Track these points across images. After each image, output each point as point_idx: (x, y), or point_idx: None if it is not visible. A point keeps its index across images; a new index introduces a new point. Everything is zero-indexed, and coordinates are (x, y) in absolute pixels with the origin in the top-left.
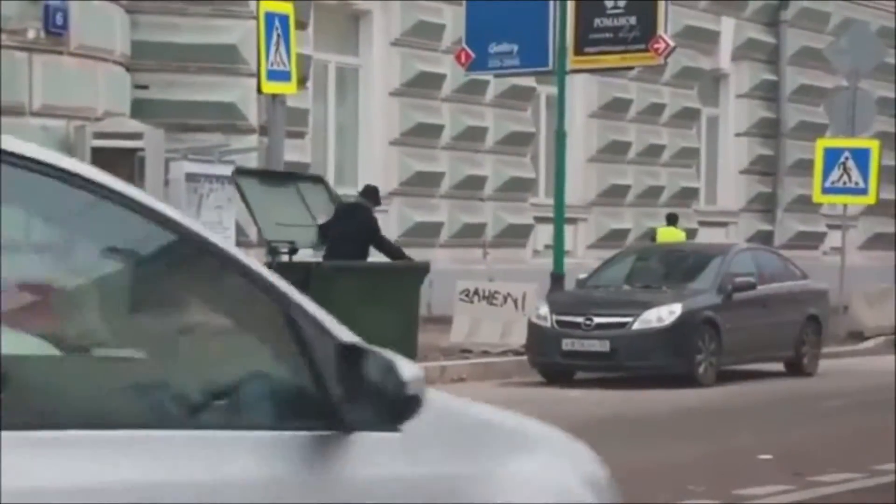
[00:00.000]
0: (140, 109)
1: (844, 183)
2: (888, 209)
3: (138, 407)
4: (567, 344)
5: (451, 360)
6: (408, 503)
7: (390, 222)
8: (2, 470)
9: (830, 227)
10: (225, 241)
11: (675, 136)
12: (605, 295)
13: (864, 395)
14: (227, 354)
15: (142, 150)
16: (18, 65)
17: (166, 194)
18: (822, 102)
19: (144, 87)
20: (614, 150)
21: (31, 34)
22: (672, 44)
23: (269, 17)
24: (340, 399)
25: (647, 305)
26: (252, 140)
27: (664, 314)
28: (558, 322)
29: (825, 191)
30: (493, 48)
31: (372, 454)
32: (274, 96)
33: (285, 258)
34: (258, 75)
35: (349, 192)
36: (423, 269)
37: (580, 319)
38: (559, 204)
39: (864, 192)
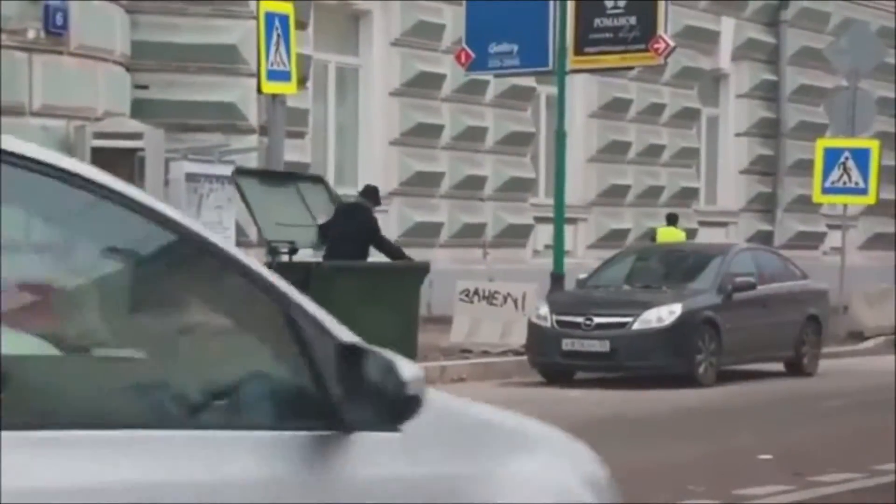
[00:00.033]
0: (140, 109)
1: (844, 183)
2: (888, 209)
3: (138, 407)
4: (567, 344)
5: (451, 360)
6: (408, 503)
7: (390, 222)
8: (2, 470)
9: (830, 227)
10: (225, 241)
11: (675, 136)
12: (605, 295)
13: (864, 395)
14: (227, 354)
15: (142, 150)
16: (18, 65)
17: (166, 194)
18: (822, 102)
19: (144, 87)
20: (614, 150)
21: (31, 34)
22: (672, 44)
23: (269, 17)
24: (340, 399)
25: (647, 305)
26: (252, 140)
27: (664, 314)
28: (558, 322)
29: (825, 191)
30: (493, 48)
31: (372, 454)
32: (274, 96)
33: (285, 258)
34: (258, 75)
35: (349, 192)
36: (423, 269)
37: (580, 319)
38: (559, 204)
39: (864, 192)
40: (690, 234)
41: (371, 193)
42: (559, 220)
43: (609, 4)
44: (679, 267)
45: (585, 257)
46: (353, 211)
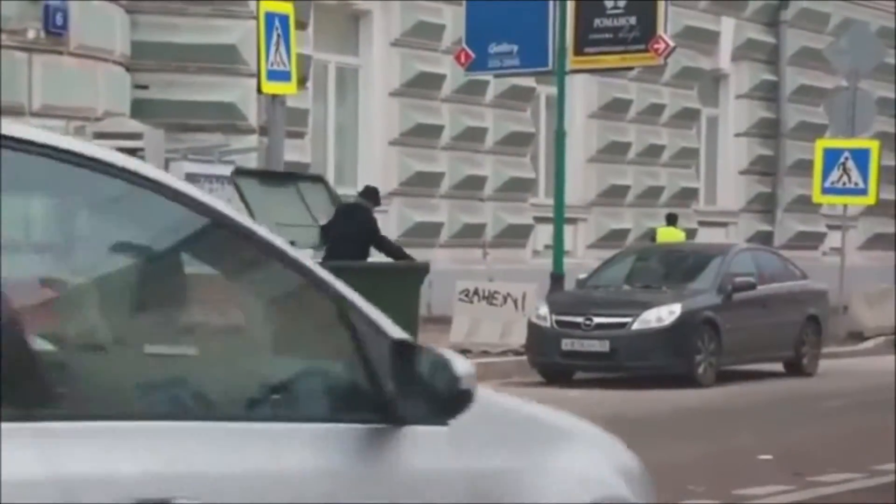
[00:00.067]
0: (140, 109)
1: (844, 183)
2: (888, 209)
3: (202, 399)
4: (567, 344)
5: None
6: (456, 495)
7: (390, 222)
8: (60, 457)
9: (830, 227)
10: (285, 242)
11: (675, 136)
12: (604, 295)
13: (863, 396)
14: (284, 350)
15: (142, 150)
16: (18, 65)
17: None
18: (822, 103)
19: (144, 87)
20: (614, 151)
21: (31, 34)
22: (672, 44)
23: (269, 17)
24: (393, 394)
25: (647, 305)
26: (252, 140)
27: (664, 314)
28: (558, 322)
29: (825, 191)
30: (493, 48)
31: (422, 447)
32: (274, 96)
33: None
34: (258, 75)
35: (349, 192)
36: (423, 269)
37: (580, 319)
38: (559, 204)
39: (863, 192)
40: (690, 234)
41: (371, 194)
42: (559, 220)
43: (609, 4)
44: (679, 267)
45: (585, 257)
46: (353, 211)
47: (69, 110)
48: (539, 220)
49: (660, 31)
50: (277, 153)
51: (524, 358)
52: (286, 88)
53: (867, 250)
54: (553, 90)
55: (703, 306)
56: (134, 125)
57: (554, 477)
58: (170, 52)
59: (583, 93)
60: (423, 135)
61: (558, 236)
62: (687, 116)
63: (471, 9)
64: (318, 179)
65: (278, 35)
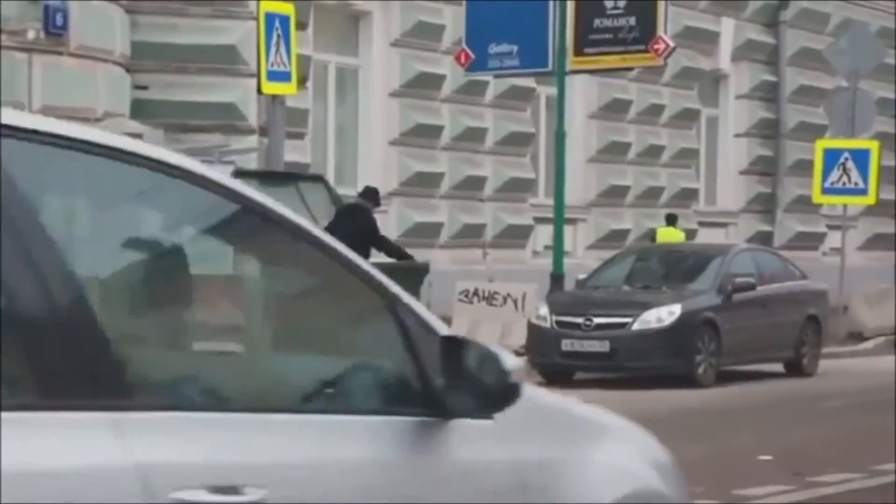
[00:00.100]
0: (140, 110)
1: (844, 183)
2: (888, 209)
3: (265, 392)
4: (567, 344)
5: None
6: (501, 485)
7: (390, 223)
8: (134, 445)
9: (830, 227)
10: (338, 242)
11: (675, 136)
12: (604, 295)
13: (863, 396)
14: (340, 345)
15: None
16: (18, 65)
17: None
18: (822, 103)
19: (144, 88)
20: (614, 151)
21: (30, 35)
22: (672, 44)
23: (270, 17)
24: (442, 388)
25: (647, 306)
26: (252, 140)
27: (664, 315)
28: (558, 322)
29: (825, 191)
30: (493, 49)
31: (469, 439)
32: (274, 97)
33: None
34: (258, 76)
35: (349, 192)
36: (422, 269)
37: (580, 320)
38: (559, 204)
39: (863, 192)
40: (690, 234)
41: (371, 194)
42: (559, 220)
43: (609, 5)
44: (679, 267)
45: (585, 258)
46: (353, 212)
47: (69, 111)
48: (539, 220)
49: (660, 32)
50: (277, 153)
51: (524, 358)
52: (286, 89)
53: (867, 250)
54: (553, 90)
55: (703, 307)
56: (134, 126)
57: (593, 470)
58: (170, 53)
59: (583, 93)
60: (423, 135)
61: (558, 237)
62: (687, 117)
63: (471, 9)
64: (319, 179)
65: (278, 35)
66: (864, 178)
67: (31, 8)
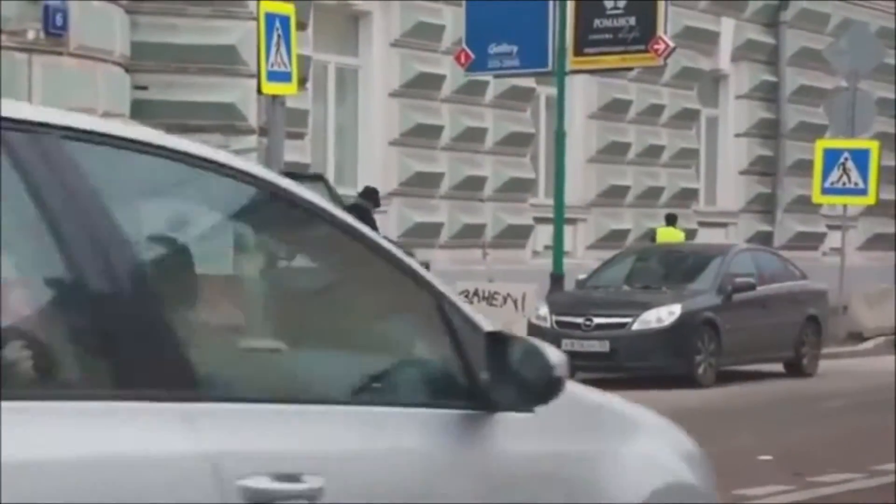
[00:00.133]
0: (140, 110)
1: (844, 184)
2: (888, 210)
3: (323, 384)
4: (566, 344)
5: None
6: (542, 476)
7: (390, 223)
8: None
9: (830, 227)
10: (387, 241)
11: (675, 136)
12: (604, 295)
13: (863, 396)
14: (392, 341)
15: None
16: (18, 65)
17: None
18: (822, 103)
19: (144, 88)
20: (614, 151)
21: (30, 35)
22: (672, 44)
23: (270, 17)
24: (487, 382)
25: (647, 306)
26: (252, 141)
27: (664, 315)
28: (558, 322)
29: (825, 191)
30: (493, 49)
31: (512, 431)
32: (274, 97)
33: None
34: (258, 76)
35: (349, 192)
36: None
37: (580, 320)
38: (559, 204)
39: (863, 192)
40: (690, 234)
41: (371, 195)
42: (559, 220)
43: (609, 5)
44: (679, 267)
45: (585, 258)
46: (353, 212)
47: (69, 111)
48: (539, 220)
49: (659, 32)
50: (277, 154)
51: None
52: (286, 89)
53: (867, 250)
54: (553, 90)
55: (703, 307)
56: None
57: (629, 463)
58: (169, 53)
59: (583, 93)
60: (422, 135)
61: (558, 237)
62: (687, 117)
63: (471, 9)
64: (319, 178)
65: (279, 36)
66: (864, 178)
67: (31, 8)
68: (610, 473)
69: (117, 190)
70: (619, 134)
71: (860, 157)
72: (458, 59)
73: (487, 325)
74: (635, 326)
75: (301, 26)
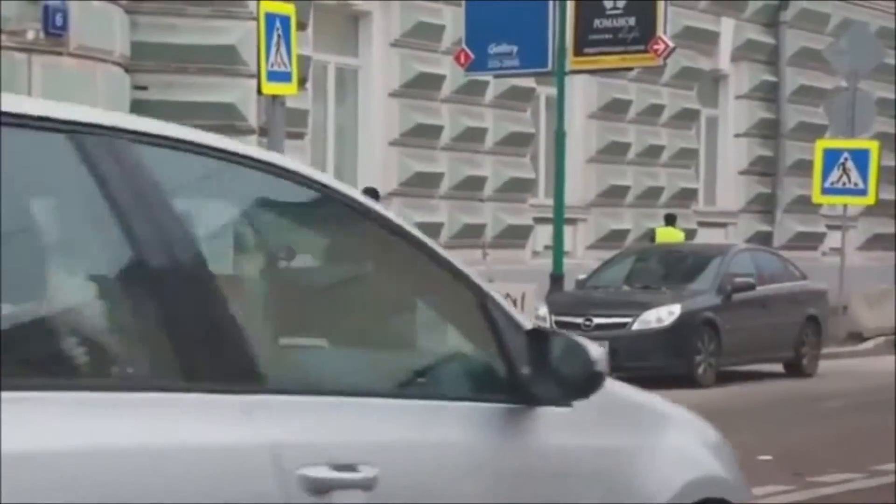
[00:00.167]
0: (139, 110)
1: (844, 184)
2: (888, 210)
3: (374, 379)
4: None
5: None
6: (580, 469)
7: None
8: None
9: (830, 227)
10: (433, 240)
11: (675, 136)
12: (604, 296)
13: (863, 396)
14: (438, 337)
15: None
16: (18, 66)
17: None
18: (822, 103)
19: (144, 88)
20: (614, 151)
21: (30, 35)
22: (671, 45)
23: (270, 17)
24: (528, 378)
25: (647, 306)
26: (252, 141)
27: (663, 315)
28: (557, 323)
29: (824, 191)
30: (493, 49)
31: (552, 425)
32: (274, 97)
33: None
34: (258, 76)
35: None
36: None
37: (579, 320)
38: (559, 204)
39: (863, 192)
40: (690, 234)
41: (370, 195)
42: (559, 220)
43: (608, 5)
44: (678, 267)
45: (585, 258)
46: None
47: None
48: (539, 220)
49: (659, 32)
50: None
51: None
52: (286, 89)
53: (867, 250)
54: (553, 90)
55: (703, 307)
56: None
57: (662, 456)
58: (169, 53)
59: (582, 93)
60: (422, 135)
61: (558, 237)
62: (686, 117)
63: (470, 9)
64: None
65: (279, 36)
66: (864, 178)
67: (31, 8)
68: (644, 467)
69: (182, 190)
70: (618, 134)
71: (860, 157)
72: (457, 59)
73: (528, 323)
74: (635, 326)
75: (301, 26)
